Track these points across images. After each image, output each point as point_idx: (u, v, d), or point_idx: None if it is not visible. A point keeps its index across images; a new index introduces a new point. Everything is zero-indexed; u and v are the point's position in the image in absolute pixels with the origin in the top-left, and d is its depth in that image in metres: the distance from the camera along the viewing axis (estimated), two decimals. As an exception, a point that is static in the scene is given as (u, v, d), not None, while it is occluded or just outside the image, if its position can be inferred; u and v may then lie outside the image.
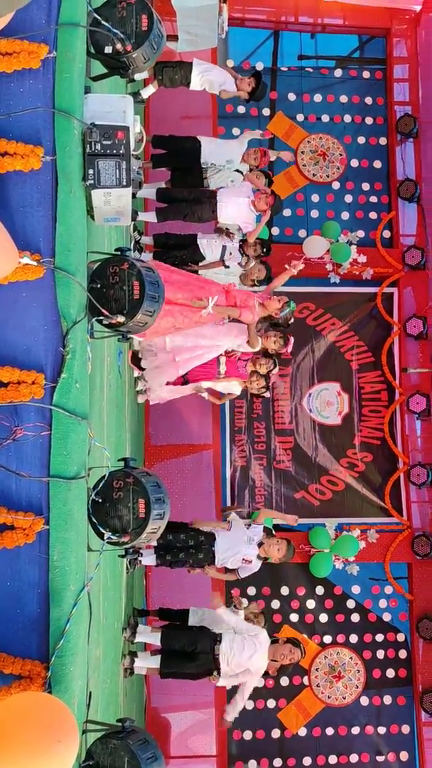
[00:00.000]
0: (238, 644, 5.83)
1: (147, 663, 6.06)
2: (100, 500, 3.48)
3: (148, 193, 7.00)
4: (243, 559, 6.17)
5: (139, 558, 6.21)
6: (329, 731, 8.07)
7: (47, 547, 3.22)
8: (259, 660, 5.81)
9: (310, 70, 9.24)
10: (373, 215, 8.96)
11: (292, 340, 6.74)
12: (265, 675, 6.08)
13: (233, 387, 6.78)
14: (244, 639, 5.84)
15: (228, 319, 6.27)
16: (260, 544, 6.20)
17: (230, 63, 8.98)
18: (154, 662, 6.01)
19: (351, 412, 8.67)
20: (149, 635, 6.07)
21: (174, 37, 7.41)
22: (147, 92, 6.82)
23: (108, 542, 3.47)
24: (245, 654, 5.79)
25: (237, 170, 7.07)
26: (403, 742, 8.18)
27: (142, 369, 6.48)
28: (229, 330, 6.38)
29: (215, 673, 5.85)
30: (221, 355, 6.46)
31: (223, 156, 6.92)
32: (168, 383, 6.51)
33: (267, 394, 6.93)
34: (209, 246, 6.66)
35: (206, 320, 6.11)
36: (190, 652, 5.89)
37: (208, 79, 6.89)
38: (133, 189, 3.65)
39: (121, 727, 3.27)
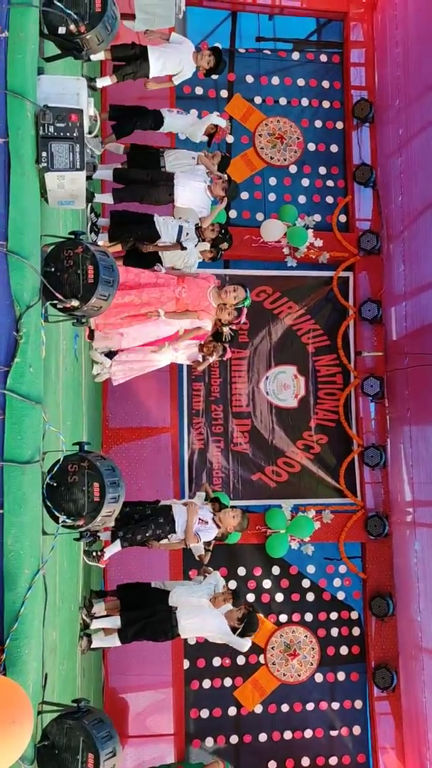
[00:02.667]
0: (194, 608, 5.97)
1: (105, 643, 6.10)
2: (55, 484, 3.49)
3: (105, 174, 6.93)
4: (199, 519, 6.28)
5: (102, 552, 6.21)
6: (284, 708, 8.23)
7: (1, 532, 3.22)
8: (220, 622, 5.96)
9: (268, 52, 9.22)
10: (329, 199, 9.02)
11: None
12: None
13: (194, 356, 6.80)
14: (198, 608, 5.97)
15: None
16: (213, 512, 6.36)
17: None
18: (112, 641, 6.05)
19: (307, 394, 8.78)
20: (107, 620, 6.09)
21: (131, 16, 7.32)
22: (102, 83, 6.74)
23: (63, 526, 3.49)
24: (202, 616, 5.92)
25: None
26: (356, 716, 8.38)
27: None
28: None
29: (174, 629, 5.95)
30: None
31: (185, 128, 6.91)
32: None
33: (228, 354, 6.99)
34: (165, 224, 6.65)
35: (166, 301, 6.17)
36: (148, 617, 5.96)
37: (167, 66, 6.84)
38: (88, 172, 3.64)
39: (77, 708, 3.31)
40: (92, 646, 6.02)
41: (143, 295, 6.16)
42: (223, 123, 7.43)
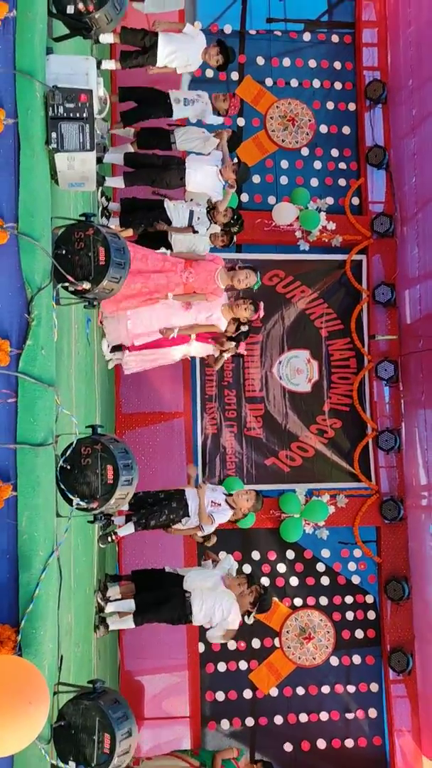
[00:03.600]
0: (208, 593, 5.98)
1: (119, 625, 6.14)
2: (69, 467, 3.49)
3: (116, 158, 6.91)
4: (212, 502, 6.29)
5: (115, 532, 6.24)
6: (300, 691, 8.25)
7: (15, 514, 3.23)
8: (233, 610, 5.98)
9: (279, 33, 9.12)
10: (342, 182, 8.94)
11: (262, 305, 6.78)
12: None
13: (208, 351, 6.81)
14: (212, 591, 5.99)
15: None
16: (226, 495, 6.38)
17: (198, 25, 8.79)
18: (127, 623, 6.08)
19: (320, 379, 8.74)
20: (122, 603, 6.12)
21: (141, -2, 7.26)
22: (107, 65, 6.68)
23: (77, 508, 3.49)
24: (216, 597, 5.94)
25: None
26: (372, 699, 8.38)
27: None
28: (197, 312, 6.43)
29: (188, 616, 6.00)
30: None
31: (192, 92, 6.85)
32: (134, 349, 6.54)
33: (243, 351, 7.00)
34: (176, 210, 6.62)
35: (174, 287, 6.15)
36: (162, 601, 5.98)
37: (175, 61, 6.77)
38: (98, 153, 3.62)
39: (93, 689, 3.32)
40: (109, 629, 6.06)
41: (150, 282, 6.13)
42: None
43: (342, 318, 8.82)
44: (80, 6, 3.56)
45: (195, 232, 6.58)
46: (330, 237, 8.68)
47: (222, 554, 6.73)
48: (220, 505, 6.36)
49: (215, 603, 5.98)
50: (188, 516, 6.28)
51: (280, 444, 8.61)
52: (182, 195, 6.95)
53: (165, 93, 7.00)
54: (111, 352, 6.57)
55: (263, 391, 8.66)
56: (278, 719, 8.16)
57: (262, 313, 6.85)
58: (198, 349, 6.82)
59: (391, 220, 8.70)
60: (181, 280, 6.23)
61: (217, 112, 7.06)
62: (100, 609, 5.97)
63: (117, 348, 6.58)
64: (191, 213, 6.58)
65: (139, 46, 6.66)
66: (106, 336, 6.46)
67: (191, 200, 6.74)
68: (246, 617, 6.21)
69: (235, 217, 6.97)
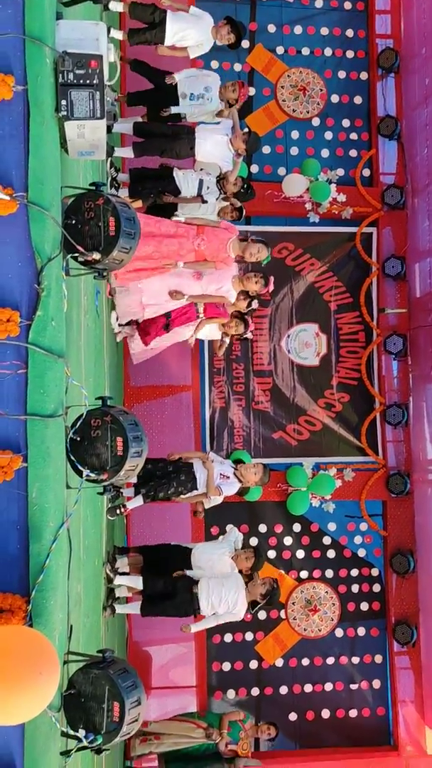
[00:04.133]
0: (215, 583, 5.99)
1: (127, 610, 6.18)
2: (78, 438, 3.49)
3: (125, 128, 6.82)
4: (221, 475, 6.31)
5: (124, 505, 6.27)
6: (305, 662, 8.33)
7: (26, 485, 3.24)
8: (239, 600, 5.97)
9: (291, 0, 8.95)
10: (353, 153, 8.82)
11: (272, 279, 6.73)
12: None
13: (214, 334, 6.80)
14: (221, 579, 6.00)
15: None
16: (234, 468, 6.38)
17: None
18: (134, 609, 6.13)
19: (329, 353, 8.70)
20: (130, 579, 6.15)
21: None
22: (116, 35, 6.55)
23: (87, 480, 3.50)
24: (224, 590, 5.95)
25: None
26: (376, 670, 8.47)
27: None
28: (208, 283, 6.38)
29: (196, 611, 6.00)
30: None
31: (200, 85, 6.72)
32: (149, 337, 6.52)
33: (249, 335, 6.99)
34: (185, 179, 6.54)
35: (186, 254, 6.10)
36: (170, 593, 6.02)
37: (183, 40, 6.62)
38: (108, 121, 3.56)
39: (102, 658, 3.35)
40: (116, 613, 6.12)
41: (162, 246, 6.09)
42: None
43: (351, 291, 8.75)
44: (90, -31, 3.48)
45: (204, 201, 6.51)
46: (340, 209, 8.59)
47: (228, 527, 6.75)
48: (228, 477, 6.38)
49: (222, 596, 5.97)
50: (196, 489, 6.30)
51: (288, 418, 8.60)
52: (192, 165, 6.86)
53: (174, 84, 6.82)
54: (120, 326, 6.55)
55: (271, 364, 8.64)
56: (283, 689, 8.25)
57: (272, 287, 6.81)
58: (206, 332, 6.78)
59: (402, 192, 8.60)
60: (192, 246, 6.17)
61: (226, 102, 6.90)
62: (109, 581, 6.01)
63: (127, 323, 6.57)
64: (201, 182, 6.51)
65: (148, 21, 6.52)
66: (116, 309, 6.43)
67: (201, 170, 6.66)
68: (251, 608, 6.22)
69: (245, 186, 6.89)
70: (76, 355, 4.17)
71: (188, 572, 6.05)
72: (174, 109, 6.64)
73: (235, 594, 5.98)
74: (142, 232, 5.68)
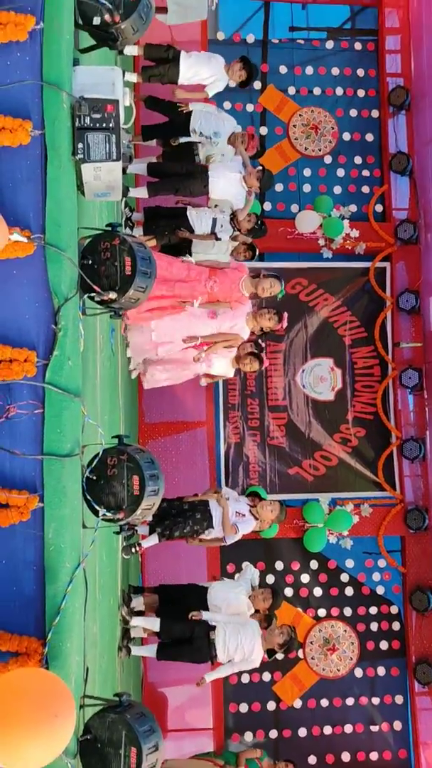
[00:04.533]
0: (232, 630, 5.91)
1: (142, 652, 6.11)
2: (95, 477, 3.48)
3: (139, 168, 6.93)
4: (236, 513, 6.25)
5: (139, 543, 6.22)
6: (324, 703, 8.17)
7: (42, 525, 3.22)
8: (255, 648, 5.91)
9: (302, 42, 9.12)
10: (365, 189, 8.90)
11: (286, 315, 6.75)
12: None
13: (227, 370, 6.80)
14: (237, 626, 5.92)
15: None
16: (251, 505, 6.35)
17: (221, 35, 8.86)
18: (149, 652, 6.06)
19: (344, 387, 8.68)
20: (147, 620, 6.08)
21: (163, 10, 7.28)
22: (130, 78, 6.70)
23: (103, 519, 3.48)
24: (240, 638, 5.87)
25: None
26: (397, 712, 8.29)
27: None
28: (222, 321, 6.41)
29: (212, 657, 5.94)
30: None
31: (210, 125, 6.84)
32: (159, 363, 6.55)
33: (262, 368, 7.00)
34: (198, 217, 6.60)
35: (198, 296, 6.15)
36: (187, 638, 5.94)
37: (196, 75, 6.78)
38: (124, 163, 3.60)
39: (119, 702, 3.29)
40: (132, 654, 6.05)
41: (174, 290, 6.13)
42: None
43: (366, 326, 8.76)
44: (107, 17, 3.56)
45: (218, 239, 6.56)
46: (353, 244, 8.64)
47: (244, 564, 6.68)
48: (244, 515, 6.33)
49: (238, 644, 5.89)
50: (212, 527, 6.24)
51: (304, 453, 8.55)
52: (206, 203, 6.94)
53: (188, 113, 6.95)
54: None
55: (286, 399, 8.62)
56: (302, 731, 8.09)
57: (285, 323, 6.82)
58: (219, 370, 6.79)
59: (415, 226, 8.64)
60: (205, 289, 6.21)
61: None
62: (125, 622, 5.95)
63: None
64: (214, 221, 6.57)
65: (162, 58, 6.69)
66: (129, 347, 6.46)
67: (215, 206, 6.72)
68: (267, 655, 6.13)
69: (259, 223, 6.94)
70: (92, 393, 4.18)
71: (205, 614, 5.96)
72: (183, 139, 6.74)
73: (251, 642, 5.90)
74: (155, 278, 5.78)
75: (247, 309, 6.52)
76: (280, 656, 7.81)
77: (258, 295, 6.61)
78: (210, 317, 6.36)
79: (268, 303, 7.10)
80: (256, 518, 6.44)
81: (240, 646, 5.88)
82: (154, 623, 5.99)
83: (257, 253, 7.22)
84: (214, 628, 5.91)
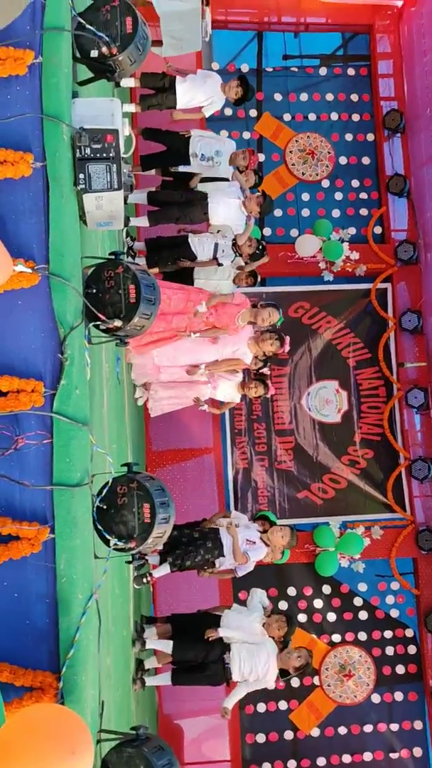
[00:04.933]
0: (247, 652, 5.83)
1: (157, 681, 6.04)
2: (105, 507, 3.45)
3: (139, 198, 6.98)
4: (247, 540, 6.19)
5: (150, 573, 6.16)
6: (342, 730, 8.03)
7: (54, 556, 3.19)
8: (270, 669, 5.82)
9: (295, 69, 9.23)
10: (363, 212, 8.95)
11: (288, 339, 6.74)
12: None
13: (233, 396, 6.79)
14: (252, 647, 5.84)
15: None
16: (262, 531, 6.26)
17: (215, 66, 8.96)
18: (164, 680, 5.99)
19: (350, 409, 8.65)
20: (159, 642, 6.03)
21: (158, 43, 7.38)
22: (127, 109, 6.78)
23: (114, 549, 3.44)
24: (255, 660, 5.80)
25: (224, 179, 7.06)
26: (416, 738, 8.15)
27: None
28: (223, 346, 6.41)
29: (228, 679, 5.86)
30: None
31: (212, 147, 6.90)
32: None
33: (268, 394, 6.97)
34: (201, 244, 6.64)
35: (198, 326, 6.14)
36: (201, 663, 5.87)
37: (193, 99, 6.86)
38: (125, 192, 3.63)
39: (136, 735, 3.24)
40: (146, 685, 5.98)
41: (171, 323, 6.15)
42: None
43: (369, 347, 8.76)
44: (104, 50, 3.60)
45: (219, 264, 6.59)
46: (354, 266, 8.67)
47: (252, 590, 6.54)
48: (254, 542, 6.25)
49: (253, 666, 5.84)
50: (223, 555, 6.18)
51: (312, 476, 8.51)
52: (206, 229, 6.98)
53: (187, 138, 7.03)
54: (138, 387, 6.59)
55: (293, 423, 8.59)
56: (321, 761, 7.95)
57: (287, 347, 6.80)
58: (225, 394, 6.78)
59: (415, 247, 8.67)
60: (202, 320, 6.22)
61: (236, 168, 7.09)
62: (140, 662, 5.90)
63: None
64: (216, 245, 6.60)
65: (158, 86, 6.78)
66: (132, 372, 6.46)
67: (218, 231, 6.75)
68: (282, 675, 6.05)
69: (260, 247, 6.97)
70: (99, 422, 4.17)
71: (221, 630, 5.90)
72: (182, 168, 6.79)
73: (266, 663, 5.82)
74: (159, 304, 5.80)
75: (248, 334, 6.51)
76: (295, 682, 7.77)
77: (258, 326, 6.59)
78: (211, 342, 6.37)
79: (270, 328, 7.09)
80: (267, 545, 6.37)
81: (255, 669, 5.81)
82: (167, 645, 5.92)
83: (258, 279, 7.24)
84: (228, 650, 5.83)
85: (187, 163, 6.91)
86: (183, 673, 5.93)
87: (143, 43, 3.69)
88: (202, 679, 5.92)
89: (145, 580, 6.05)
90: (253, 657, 5.81)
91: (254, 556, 6.27)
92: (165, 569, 6.16)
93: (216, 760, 7.90)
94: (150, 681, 5.96)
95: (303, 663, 5.91)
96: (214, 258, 6.59)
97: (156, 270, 6.60)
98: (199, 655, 5.88)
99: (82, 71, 3.89)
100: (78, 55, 3.66)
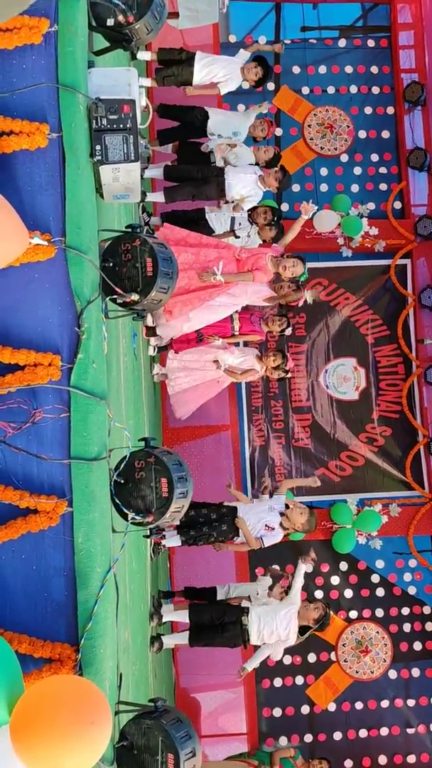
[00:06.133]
0: (266, 615, 5.86)
1: (175, 640, 6.08)
2: (123, 481, 3.44)
3: (156, 173, 6.91)
4: (265, 526, 6.17)
5: (163, 544, 6.19)
6: (359, 705, 8.08)
7: (71, 530, 3.19)
8: (291, 628, 5.86)
9: (314, 41, 9.08)
10: (383, 186, 8.83)
11: (291, 362, 6.74)
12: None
13: (253, 363, 6.71)
14: (272, 611, 5.86)
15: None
16: (282, 514, 6.20)
17: (232, 38, 8.84)
18: (182, 639, 6.02)
19: (368, 386, 8.60)
20: (176, 614, 6.07)
21: (175, 14, 7.28)
22: (144, 83, 6.69)
23: (132, 523, 3.44)
24: (275, 622, 5.81)
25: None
26: (433, 713, 8.18)
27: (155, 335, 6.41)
28: (243, 293, 6.32)
29: (245, 642, 5.92)
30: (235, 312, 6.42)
31: (229, 128, 6.83)
32: (178, 347, 6.46)
33: (288, 375, 6.90)
34: (218, 219, 6.61)
35: (218, 287, 6.07)
36: (218, 624, 5.90)
37: (210, 75, 6.75)
38: (142, 164, 3.59)
39: (154, 707, 3.25)
40: (164, 647, 6.02)
41: (200, 254, 6.04)
42: (264, 108, 7.23)
43: (388, 324, 8.68)
44: (120, 18, 3.54)
45: (236, 236, 6.54)
46: (373, 242, 8.57)
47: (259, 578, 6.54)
48: (273, 528, 6.19)
49: (273, 629, 5.87)
50: (238, 536, 6.19)
51: (329, 454, 8.48)
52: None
53: (203, 115, 6.94)
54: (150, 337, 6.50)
55: (310, 400, 8.55)
56: (337, 735, 8.00)
57: (291, 364, 6.76)
58: (242, 360, 6.72)
59: (435, 222, 8.55)
60: (233, 256, 6.13)
61: (253, 139, 7.00)
62: (158, 636, 5.94)
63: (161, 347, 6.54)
64: (233, 219, 6.55)
65: (176, 59, 6.68)
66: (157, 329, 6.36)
67: (234, 204, 6.68)
68: (301, 632, 6.07)
69: (276, 218, 6.87)
70: (117, 397, 4.16)
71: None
72: (211, 145, 6.72)
73: (286, 627, 5.85)
74: (184, 239, 5.70)
75: (264, 290, 6.38)
76: (312, 657, 7.80)
77: (281, 276, 6.44)
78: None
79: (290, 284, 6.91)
80: (285, 528, 6.32)
81: (275, 631, 5.85)
82: (184, 615, 5.97)
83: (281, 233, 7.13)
84: (246, 613, 5.85)
85: (204, 136, 6.83)
86: (201, 634, 5.95)
87: (160, 11, 3.63)
88: (220, 639, 5.95)
89: (161, 548, 6.09)
90: (273, 620, 5.84)
91: (268, 541, 6.26)
92: (176, 541, 6.19)
93: (233, 733, 7.97)
94: (168, 639, 5.99)
95: (321, 613, 5.96)
96: (231, 230, 6.53)
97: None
98: (216, 617, 5.91)
99: (98, 41, 3.84)
100: (94, 23, 3.60)
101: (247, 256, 6.18)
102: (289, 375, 6.98)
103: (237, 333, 6.51)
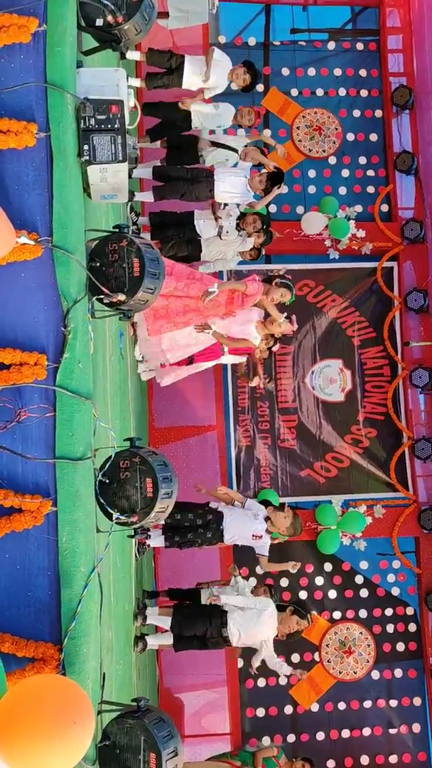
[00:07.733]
0: (246, 620, 5.88)
1: (159, 640, 6.09)
2: (107, 481, 3.45)
3: (144, 173, 6.93)
4: (253, 535, 6.17)
5: (147, 543, 6.19)
6: (341, 706, 8.10)
7: (56, 530, 3.19)
8: (268, 631, 5.90)
9: (303, 43, 9.11)
10: (370, 189, 8.87)
11: (294, 318, 6.67)
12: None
13: (249, 332, 6.62)
14: (251, 615, 5.89)
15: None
16: (267, 519, 6.21)
17: (222, 39, 8.85)
18: (166, 640, 6.04)
19: (354, 388, 8.64)
20: (160, 618, 6.07)
21: (165, 14, 7.28)
22: (133, 83, 6.69)
23: (117, 523, 3.45)
24: (254, 629, 5.85)
25: (232, 149, 6.99)
26: (415, 714, 8.22)
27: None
28: (231, 324, 6.35)
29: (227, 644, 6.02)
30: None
31: (213, 122, 6.85)
32: (168, 364, 6.47)
33: (275, 348, 6.84)
34: (206, 226, 6.62)
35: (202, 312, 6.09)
36: (200, 636, 5.92)
37: (200, 83, 6.77)
38: (130, 165, 3.59)
39: (137, 707, 3.26)
40: (148, 647, 6.02)
41: (190, 289, 6.06)
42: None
43: (374, 326, 8.72)
44: (109, 18, 3.54)
45: (221, 239, 6.58)
46: (360, 245, 8.61)
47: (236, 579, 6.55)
48: (261, 537, 6.19)
49: (252, 637, 5.94)
50: (222, 542, 6.20)
51: (315, 455, 8.51)
52: (211, 206, 6.92)
53: (186, 111, 6.94)
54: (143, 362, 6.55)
55: (296, 402, 8.58)
56: (320, 735, 8.03)
57: (295, 326, 6.71)
58: (231, 359, 6.76)
59: (422, 225, 8.61)
60: (212, 300, 6.15)
61: (238, 126, 7.03)
62: (142, 636, 5.95)
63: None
64: (221, 228, 6.60)
65: (165, 67, 6.67)
66: (138, 345, 6.39)
67: (224, 208, 6.70)
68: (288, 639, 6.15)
69: (265, 226, 6.91)
70: (102, 397, 4.16)
71: (223, 598, 5.99)
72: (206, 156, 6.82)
73: (264, 630, 5.90)
74: (175, 273, 5.74)
75: (256, 316, 6.42)
76: (296, 657, 7.82)
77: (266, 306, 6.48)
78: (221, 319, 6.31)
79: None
80: (271, 533, 6.32)
81: (254, 638, 5.94)
82: (166, 621, 5.97)
83: (263, 252, 7.18)
84: (226, 624, 5.87)
85: (190, 128, 6.87)
86: (183, 641, 5.99)
87: (149, 12, 3.63)
88: (202, 645, 6.00)
89: (146, 547, 6.10)
90: (252, 626, 5.87)
91: (261, 551, 6.26)
92: (160, 541, 6.19)
93: (216, 733, 7.98)
94: (152, 640, 6.00)
95: (303, 626, 6.07)
96: (218, 235, 6.56)
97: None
98: (198, 633, 5.92)
99: (87, 41, 3.84)
100: (83, 23, 3.60)
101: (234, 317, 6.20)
102: (276, 347, 6.84)
103: (226, 351, 6.52)
